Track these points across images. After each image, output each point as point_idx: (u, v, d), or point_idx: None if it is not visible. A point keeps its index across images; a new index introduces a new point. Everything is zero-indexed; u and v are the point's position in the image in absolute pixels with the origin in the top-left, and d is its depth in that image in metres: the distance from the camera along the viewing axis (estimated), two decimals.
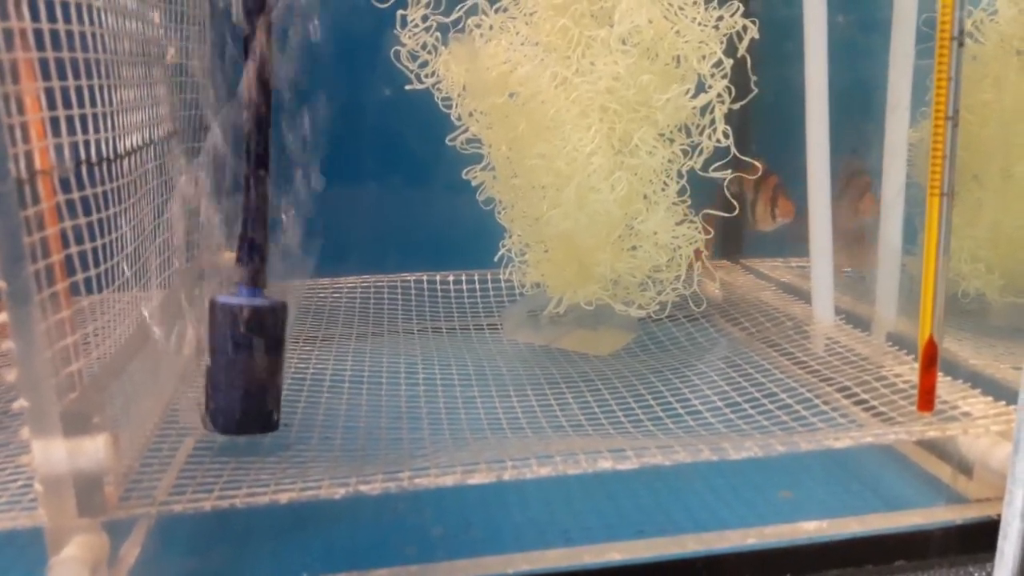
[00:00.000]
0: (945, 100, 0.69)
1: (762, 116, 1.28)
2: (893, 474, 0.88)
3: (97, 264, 0.68)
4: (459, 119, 1.03)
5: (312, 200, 0.96)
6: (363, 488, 0.69)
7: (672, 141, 1.00)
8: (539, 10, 0.98)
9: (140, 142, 0.77)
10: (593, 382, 1.00)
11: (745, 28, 0.96)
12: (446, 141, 1.05)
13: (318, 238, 0.96)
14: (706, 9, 0.96)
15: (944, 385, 0.87)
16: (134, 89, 0.76)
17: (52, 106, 0.61)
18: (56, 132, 0.61)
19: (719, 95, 0.96)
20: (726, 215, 1.05)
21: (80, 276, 0.65)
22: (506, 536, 0.77)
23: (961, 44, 0.69)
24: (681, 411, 0.90)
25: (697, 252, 1.06)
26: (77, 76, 0.63)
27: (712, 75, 0.96)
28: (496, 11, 1.00)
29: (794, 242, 1.30)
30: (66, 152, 0.62)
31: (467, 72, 0.97)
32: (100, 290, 0.69)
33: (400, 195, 1.31)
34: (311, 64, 0.89)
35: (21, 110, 0.57)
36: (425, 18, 0.98)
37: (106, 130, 0.68)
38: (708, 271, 1.13)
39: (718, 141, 0.98)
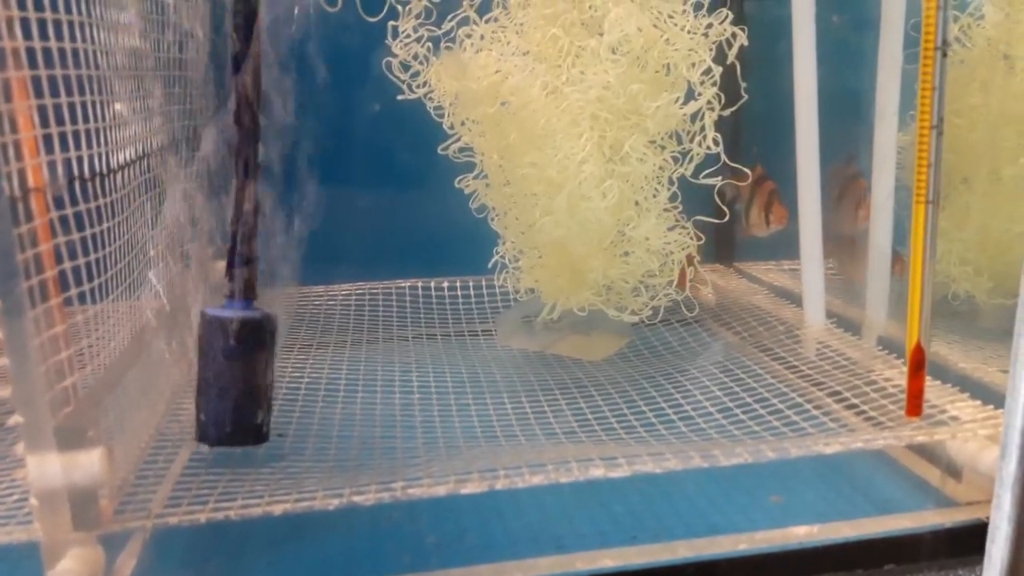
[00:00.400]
0: (930, 109, 0.70)
1: (755, 121, 1.29)
2: (883, 477, 0.88)
3: (91, 278, 0.68)
4: (451, 128, 1.04)
5: (307, 208, 0.97)
6: (357, 499, 0.69)
7: (663, 148, 1.01)
8: (529, 20, 0.99)
9: (133, 155, 0.78)
10: (586, 388, 1.01)
11: (734, 35, 0.96)
12: (438, 150, 1.05)
13: (311, 246, 0.97)
14: (695, 17, 0.97)
15: (933, 389, 0.87)
16: (127, 103, 0.77)
17: (45, 123, 0.61)
18: (49, 149, 0.62)
19: (709, 102, 0.97)
20: (717, 221, 1.05)
21: (74, 291, 0.66)
22: (500, 543, 0.78)
23: (945, 54, 0.69)
24: (673, 416, 0.90)
25: (689, 257, 1.07)
26: (70, 93, 0.64)
27: (702, 82, 0.97)
28: (486, 21, 1.01)
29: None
30: (59, 168, 0.63)
31: (458, 83, 0.97)
32: (94, 303, 0.70)
33: (394, 203, 1.31)
34: (304, 75, 0.90)
35: (14, 128, 0.57)
36: (416, 29, 0.98)
37: (99, 145, 0.69)
38: (700, 276, 1.14)
39: (708, 148, 0.98)
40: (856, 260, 1.14)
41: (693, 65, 0.96)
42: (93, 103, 0.68)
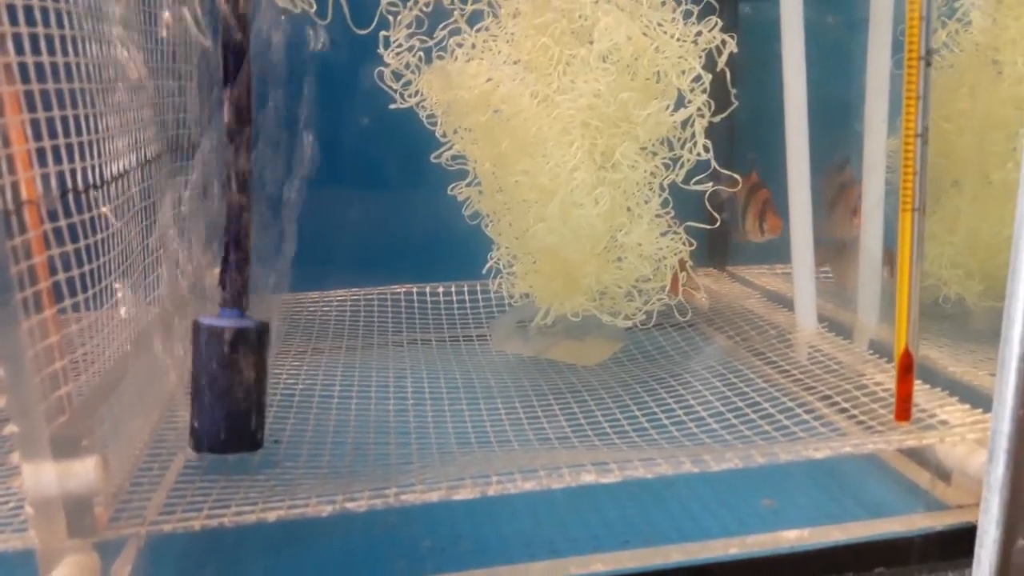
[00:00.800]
0: (914, 118, 0.70)
1: (747, 127, 1.30)
2: (874, 481, 0.89)
3: (85, 288, 0.69)
4: (444, 136, 1.04)
5: (301, 215, 0.97)
6: (350, 505, 0.70)
7: (654, 155, 1.02)
8: (520, 29, 1.00)
9: (126, 167, 0.79)
10: (580, 392, 1.02)
11: (724, 42, 0.97)
12: (431, 158, 1.06)
13: (306, 252, 0.98)
14: (685, 25, 0.97)
15: (922, 393, 0.88)
16: (119, 115, 0.77)
17: (38, 137, 0.62)
18: (42, 162, 0.62)
19: (699, 109, 0.98)
20: (709, 227, 1.06)
21: (68, 301, 0.66)
22: (494, 548, 0.78)
23: (929, 63, 0.70)
24: (666, 421, 0.91)
25: (681, 262, 1.08)
26: (62, 106, 0.64)
27: (692, 90, 0.97)
28: (477, 31, 1.02)
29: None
30: (52, 181, 0.63)
31: (450, 92, 0.98)
32: (88, 311, 0.70)
33: (388, 209, 1.32)
34: (296, 84, 0.91)
35: (7, 142, 0.58)
36: (408, 39, 0.99)
37: (92, 157, 0.69)
38: (692, 280, 1.15)
39: (699, 154, 0.99)
40: (850, 266, 1.15)
41: (683, 72, 0.97)
42: (86, 115, 0.68)
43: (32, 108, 0.61)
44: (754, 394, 0.96)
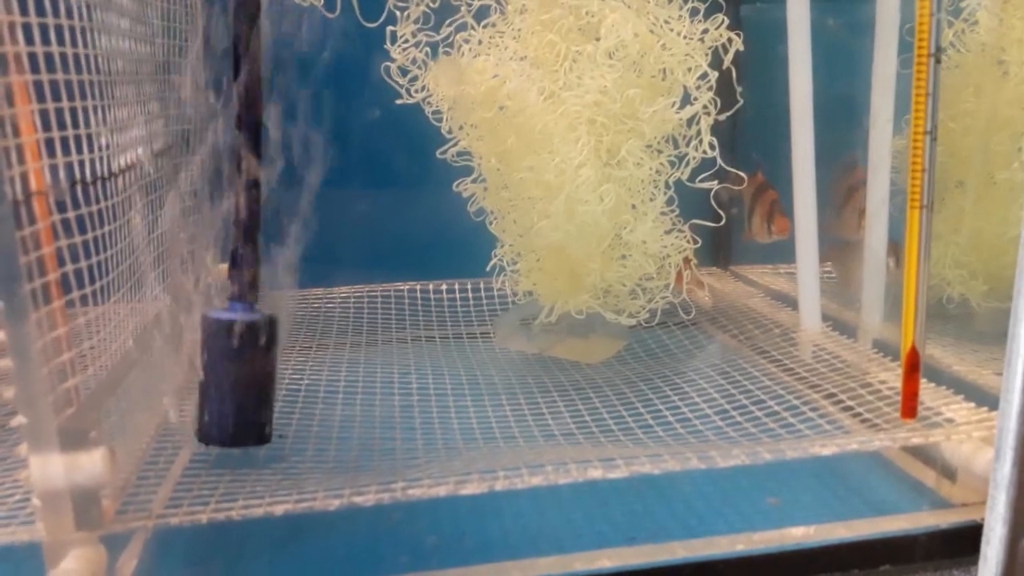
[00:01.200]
0: (924, 115, 0.70)
1: (752, 126, 1.30)
2: (879, 479, 0.89)
3: (93, 280, 0.69)
4: (449, 132, 1.04)
5: (306, 212, 0.97)
6: (357, 499, 0.70)
7: (659, 152, 1.02)
8: (526, 25, 1.00)
9: (134, 159, 0.78)
10: (584, 390, 1.02)
11: (730, 40, 0.97)
12: (437, 154, 1.06)
13: (311, 249, 0.97)
14: (691, 22, 0.97)
15: (928, 391, 0.88)
16: (128, 106, 0.77)
17: (47, 127, 0.61)
18: (51, 152, 0.62)
19: (705, 107, 0.98)
20: (713, 224, 1.06)
21: (76, 293, 0.66)
22: (499, 544, 0.78)
23: (938, 61, 0.70)
24: (671, 418, 0.91)
25: (686, 261, 1.08)
26: (71, 97, 0.64)
27: (698, 87, 0.97)
28: (484, 27, 1.02)
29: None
30: (61, 172, 0.63)
31: (456, 87, 0.98)
32: (96, 305, 0.70)
33: (393, 206, 1.32)
34: (304, 78, 0.90)
35: (16, 133, 0.57)
36: (415, 34, 0.99)
37: (101, 149, 0.69)
38: (697, 279, 1.15)
39: (705, 152, 0.99)
40: (854, 265, 1.15)
41: (689, 70, 0.97)
42: (95, 107, 0.68)
43: (41, 99, 0.61)
44: (759, 392, 0.96)
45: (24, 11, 0.59)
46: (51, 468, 0.63)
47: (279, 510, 0.68)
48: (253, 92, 0.74)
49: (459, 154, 1.06)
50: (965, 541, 0.76)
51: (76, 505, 0.64)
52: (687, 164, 1.01)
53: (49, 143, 0.62)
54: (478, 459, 0.80)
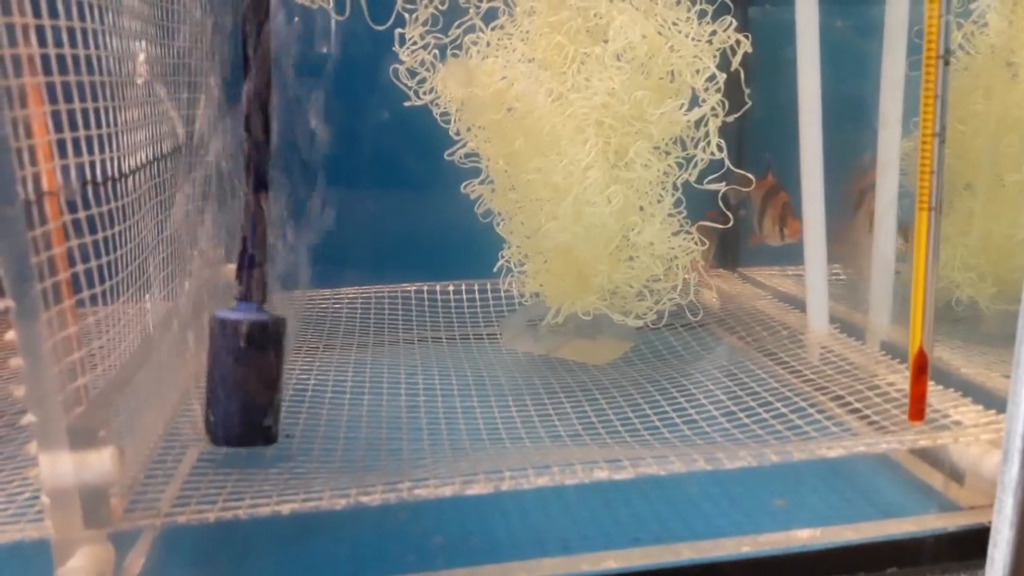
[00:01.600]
0: (932, 117, 0.70)
1: (760, 128, 1.30)
2: (886, 481, 0.89)
3: (103, 280, 0.69)
4: (457, 134, 1.05)
5: (315, 213, 0.98)
6: (363, 499, 0.70)
7: (667, 154, 1.02)
8: (534, 27, 1.00)
9: (144, 160, 0.79)
10: (591, 391, 1.02)
11: (738, 42, 0.97)
12: (445, 155, 1.06)
13: (319, 250, 0.98)
14: (699, 24, 0.97)
15: (936, 394, 0.88)
16: (138, 108, 0.78)
17: (59, 128, 0.62)
18: (63, 154, 0.63)
19: (713, 108, 0.98)
20: (721, 226, 1.06)
21: (86, 293, 0.67)
22: (505, 544, 0.78)
23: (947, 63, 0.70)
24: (677, 420, 0.91)
25: (694, 264, 1.07)
26: (83, 98, 0.65)
27: (706, 89, 0.97)
28: (492, 29, 1.02)
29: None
30: (72, 172, 0.64)
31: (464, 89, 0.99)
32: (105, 305, 0.71)
33: (401, 207, 1.32)
34: (313, 80, 0.91)
35: (29, 134, 0.58)
36: (423, 36, 0.99)
37: (111, 150, 0.70)
38: (705, 280, 1.15)
39: (713, 154, 0.99)
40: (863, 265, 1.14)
41: (697, 72, 0.97)
42: (106, 108, 0.69)
43: (53, 100, 0.62)
44: (766, 394, 0.96)
45: (37, 13, 0.59)
46: (60, 466, 0.63)
47: (286, 509, 0.69)
48: (262, 93, 0.75)
49: (467, 156, 1.06)
50: (972, 544, 0.76)
51: (85, 503, 0.65)
52: (695, 166, 1.01)
53: (60, 144, 0.62)
54: (484, 460, 0.80)
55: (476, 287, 1.34)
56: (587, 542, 0.78)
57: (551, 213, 1.00)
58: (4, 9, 0.55)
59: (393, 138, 1.24)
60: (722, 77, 0.97)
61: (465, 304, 1.33)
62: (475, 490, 0.72)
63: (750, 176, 1.04)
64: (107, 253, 0.69)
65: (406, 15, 0.98)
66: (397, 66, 1.01)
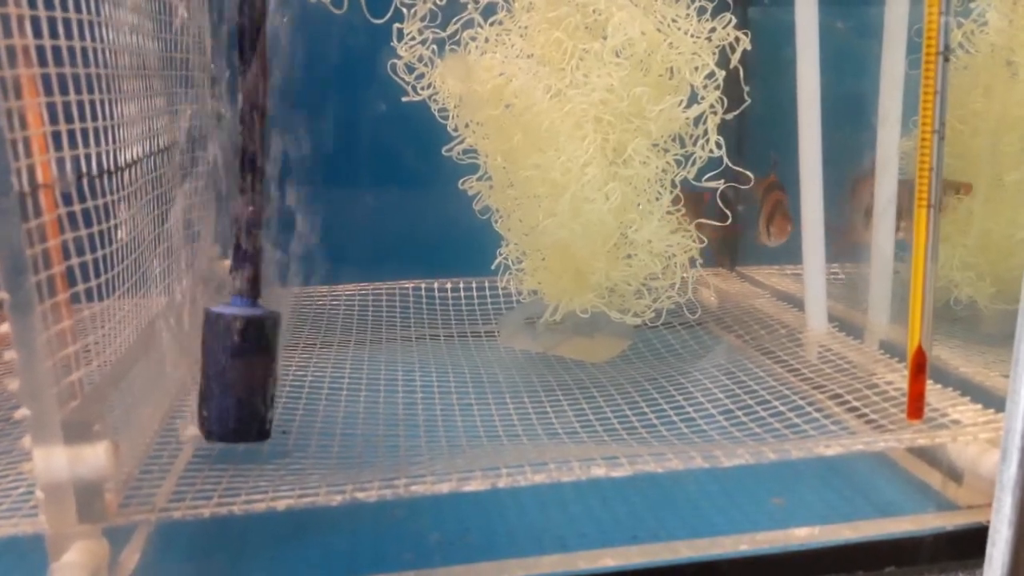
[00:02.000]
0: (931, 114, 0.70)
1: (759, 125, 1.30)
2: (884, 480, 0.89)
3: (98, 274, 0.69)
4: (455, 130, 1.04)
5: (311, 209, 0.97)
6: (359, 495, 0.69)
7: (666, 151, 1.02)
8: (533, 23, 1.00)
9: (140, 154, 0.79)
10: (589, 389, 1.01)
11: (737, 39, 0.97)
12: (443, 152, 1.06)
13: (315, 246, 0.97)
14: (699, 21, 0.97)
15: (934, 393, 0.88)
16: (134, 101, 0.77)
17: (54, 120, 0.62)
18: (58, 146, 0.62)
19: (712, 106, 0.97)
20: (719, 224, 1.06)
21: (81, 287, 0.66)
22: (502, 542, 0.78)
23: (947, 59, 0.70)
24: (675, 418, 0.91)
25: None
26: (79, 91, 0.64)
27: (705, 86, 0.97)
28: (491, 24, 1.02)
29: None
30: (67, 165, 0.63)
31: (462, 85, 0.98)
32: (101, 299, 0.70)
33: (398, 204, 1.32)
34: (309, 75, 0.90)
35: (24, 125, 0.58)
36: (421, 31, 0.99)
37: (107, 143, 0.69)
38: (703, 278, 1.15)
39: (711, 151, 0.99)
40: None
41: (696, 69, 0.97)
42: (102, 101, 0.68)
43: (48, 92, 0.61)
44: (764, 392, 0.96)
45: (32, 4, 0.59)
46: (55, 461, 0.63)
47: (281, 505, 0.68)
48: (258, 88, 0.74)
49: (465, 152, 1.06)
50: (971, 543, 0.76)
51: (79, 498, 0.64)
52: (694, 163, 1.01)
53: (56, 136, 0.62)
54: (482, 456, 0.80)
55: (474, 284, 1.34)
56: (584, 540, 0.78)
57: (549, 210, 0.99)
58: None
59: (391, 134, 1.24)
60: (721, 74, 0.96)
61: (463, 301, 1.33)
62: (472, 487, 0.71)
63: (749, 174, 1.04)
64: (103, 247, 0.69)
65: (404, 10, 0.98)
66: (395, 61, 1.00)
